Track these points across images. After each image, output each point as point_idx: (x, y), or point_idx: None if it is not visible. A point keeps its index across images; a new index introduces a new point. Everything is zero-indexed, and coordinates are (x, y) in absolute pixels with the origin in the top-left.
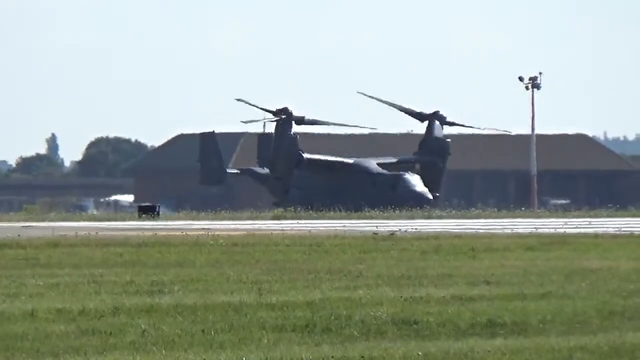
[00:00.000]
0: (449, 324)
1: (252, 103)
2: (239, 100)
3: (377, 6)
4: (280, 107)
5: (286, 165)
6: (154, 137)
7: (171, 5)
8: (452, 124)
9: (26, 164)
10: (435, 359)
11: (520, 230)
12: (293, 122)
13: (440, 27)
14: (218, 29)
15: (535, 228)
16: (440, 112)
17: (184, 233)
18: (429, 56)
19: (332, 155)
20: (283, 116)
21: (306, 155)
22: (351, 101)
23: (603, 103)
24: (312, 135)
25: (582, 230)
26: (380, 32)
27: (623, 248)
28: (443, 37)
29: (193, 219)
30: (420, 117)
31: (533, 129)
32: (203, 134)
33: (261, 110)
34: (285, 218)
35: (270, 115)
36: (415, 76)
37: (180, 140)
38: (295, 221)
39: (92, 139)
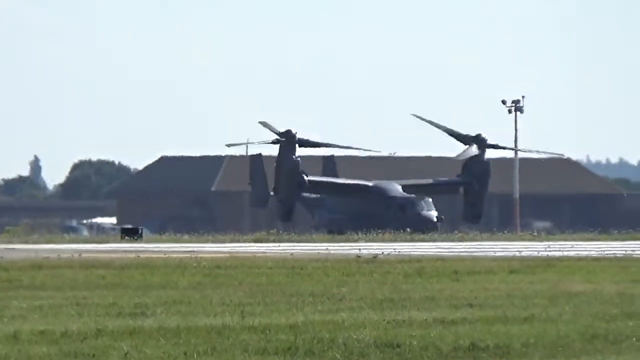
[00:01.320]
0: (431, 347)
1: (273, 128)
2: (261, 123)
3: (360, 23)
4: (284, 129)
5: (288, 188)
6: (137, 160)
7: (149, 25)
8: (494, 146)
9: (9, 186)
10: None
11: (503, 253)
12: (297, 145)
13: (421, 48)
14: (199, 49)
15: (518, 251)
16: (483, 135)
17: (167, 255)
18: (411, 77)
19: (377, 178)
20: (283, 139)
21: (309, 178)
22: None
23: (586, 127)
24: (355, 158)
25: (566, 254)
26: (363, 50)
27: (606, 271)
28: (425, 58)
29: (176, 241)
30: (463, 139)
31: (516, 152)
32: (252, 156)
33: (275, 134)
34: (268, 241)
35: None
36: (396, 97)
37: (163, 162)
38: (278, 244)
39: (76, 161)
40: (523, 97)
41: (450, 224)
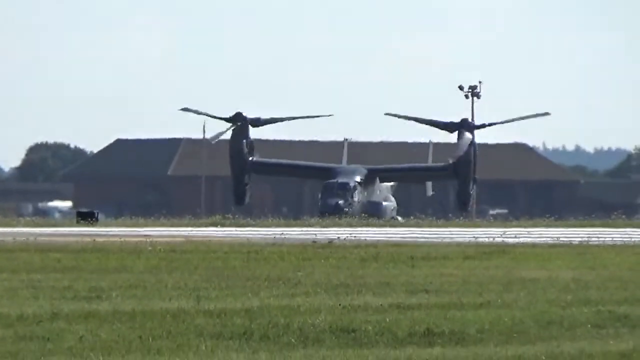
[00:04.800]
0: (387, 333)
1: (198, 111)
2: (184, 109)
3: (316, 8)
4: (234, 112)
5: (236, 170)
6: (93, 143)
7: (107, 8)
8: (483, 126)
9: None
10: None
11: (459, 240)
12: (249, 127)
13: (378, 33)
14: (152, 33)
15: (474, 237)
16: (469, 120)
17: (123, 239)
18: (367, 63)
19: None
20: (238, 123)
21: (255, 159)
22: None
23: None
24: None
25: (521, 240)
26: (321, 36)
27: (561, 258)
28: (382, 43)
29: (132, 225)
30: (449, 127)
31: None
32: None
33: (207, 117)
34: (224, 225)
35: (224, 122)
36: (353, 83)
37: (119, 145)
38: (234, 228)
39: (32, 144)
40: (480, 82)
41: (443, 211)
